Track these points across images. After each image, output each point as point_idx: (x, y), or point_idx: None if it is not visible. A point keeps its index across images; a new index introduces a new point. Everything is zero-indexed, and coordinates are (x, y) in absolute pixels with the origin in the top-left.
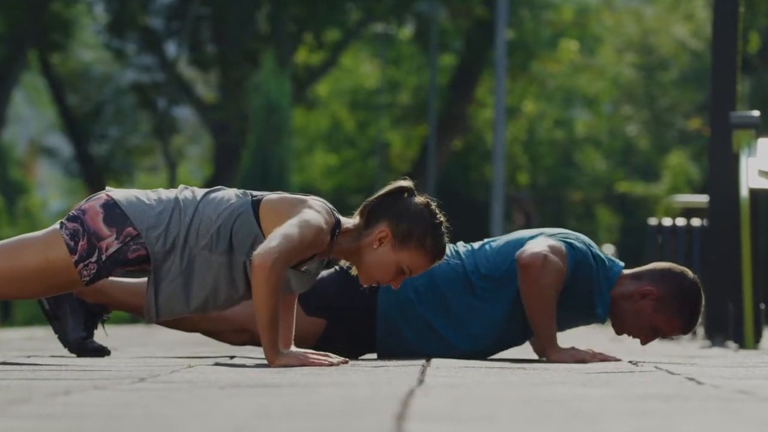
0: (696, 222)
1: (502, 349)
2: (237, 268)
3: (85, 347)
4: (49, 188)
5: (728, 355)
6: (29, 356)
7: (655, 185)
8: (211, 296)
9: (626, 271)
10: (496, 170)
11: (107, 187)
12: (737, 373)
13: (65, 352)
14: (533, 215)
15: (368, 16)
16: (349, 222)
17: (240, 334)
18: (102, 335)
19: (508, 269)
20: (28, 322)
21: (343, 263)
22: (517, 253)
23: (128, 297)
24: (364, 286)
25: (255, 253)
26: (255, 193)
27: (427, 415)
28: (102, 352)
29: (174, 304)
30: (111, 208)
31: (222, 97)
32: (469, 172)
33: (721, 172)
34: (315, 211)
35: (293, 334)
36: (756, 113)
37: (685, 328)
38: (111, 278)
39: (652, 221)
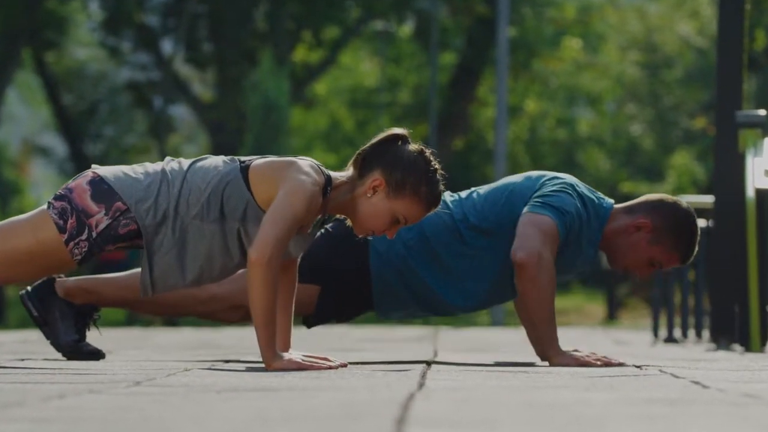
0: (701, 223)
1: (498, 302)
2: (231, 235)
3: (79, 350)
4: (44, 188)
5: (734, 359)
6: (23, 359)
7: (659, 185)
8: (206, 266)
9: (618, 206)
10: (498, 170)
11: (93, 165)
12: (743, 377)
13: (59, 355)
14: None
15: (368, 13)
16: (341, 175)
17: (235, 311)
18: (96, 337)
19: (497, 218)
20: (22, 324)
21: (336, 219)
22: (513, 249)
23: (118, 291)
24: (359, 236)
25: (251, 249)
26: (242, 158)
27: (427, 419)
28: (96, 355)
29: (169, 277)
30: (98, 184)
31: (219, 95)
32: (471, 172)
33: (726, 172)
34: (303, 173)
35: (291, 336)
36: (762, 112)
37: (683, 257)
38: (98, 275)
39: None
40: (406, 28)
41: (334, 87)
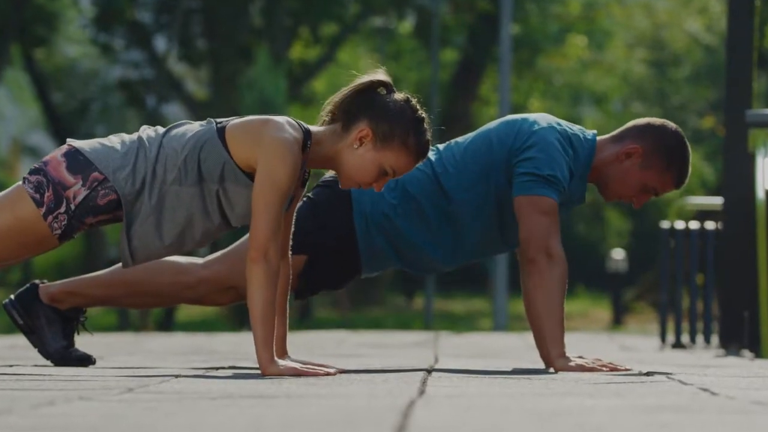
0: (710, 225)
1: (489, 255)
2: (210, 198)
3: (68, 357)
4: None
5: (744, 365)
6: (11, 365)
7: None
8: (187, 231)
9: (603, 137)
10: None
11: (68, 139)
12: (753, 384)
13: (49, 362)
14: None
15: (367, 9)
16: (322, 129)
17: (225, 293)
18: (87, 343)
19: (478, 168)
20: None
21: (318, 186)
22: (520, 241)
23: (103, 289)
24: (344, 189)
25: (248, 250)
26: (219, 120)
27: (428, 427)
28: (86, 360)
29: (149, 244)
30: (73, 155)
31: (214, 94)
32: None
33: (736, 173)
34: (280, 130)
35: (286, 342)
36: None
37: (677, 179)
38: (80, 276)
39: (665, 225)
40: (407, 25)
41: (333, 85)
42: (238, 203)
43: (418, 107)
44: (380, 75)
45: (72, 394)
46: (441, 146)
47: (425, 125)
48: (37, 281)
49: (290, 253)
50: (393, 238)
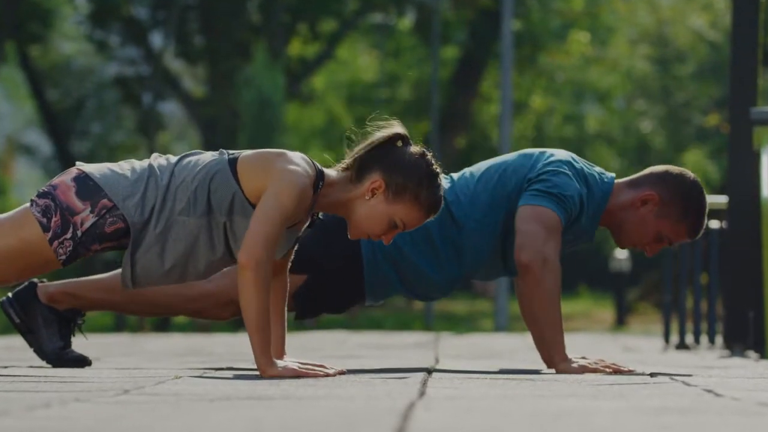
0: (714, 224)
1: (491, 279)
2: (216, 229)
3: (64, 358)
4: (28, 188)
5: (749, 366)
6: (6, 366)
7: None
8: (191, 262)
9: (620, 180)
10: None
11: (78, 162)
12: (758, 385)
13: (45, 363)
14: None
15: (366, 5)
16: (334, 173)
17: (225, 308)
18: (83, 343)
19: (490, 198)
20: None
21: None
22: (516, 248)
23: (103, 294)
24: (353, 239)
25: (240, 252)
26: (232, 151)
27: (428, 429)
28: (82, 362)
29: (151, 273)
30: (83, 180)
31: (211, 91)
32: None
33: (740, 172)
34: (294, 165)
35: (285, 343)
36: None
37: (691, 231)
38: (81, 278)
39: None
40: (406, 21)
41: (331, 82)
42: (244, 237)
43: (433, 162)
44: (397, 128)
45: (68, 395)
46: (455, 175)
47: (439, 180)
48: (35, 280)
49: (292, 270)
50: (399, 263)
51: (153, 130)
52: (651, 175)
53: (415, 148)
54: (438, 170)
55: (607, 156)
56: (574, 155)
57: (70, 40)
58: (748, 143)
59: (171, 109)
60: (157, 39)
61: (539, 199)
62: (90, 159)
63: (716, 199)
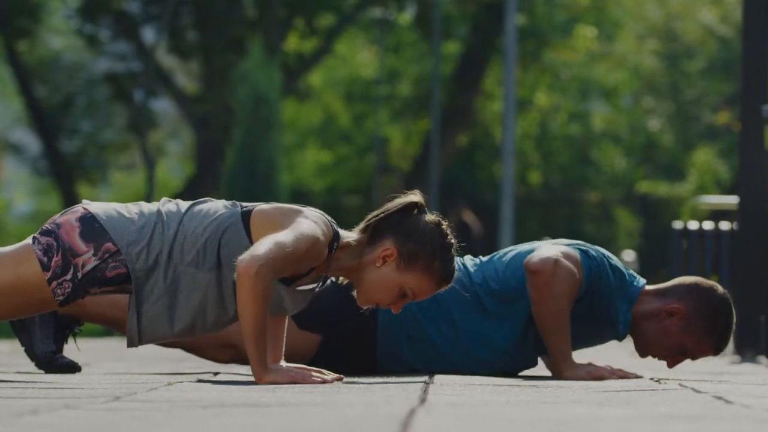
0: (725, 225)
1: (510, 374)
2: (226, 285)
3: (54, 363)
4: (15, 188)
5: (760, 372)
6: None
7: (679, 185)
8: (199, 318)
9: (648, 287)
10: (506, 169)
11: (84, 201)
12: None
13: (33, 368)
14: (474, 227)
15: None
16: (350, 236)
17: (224, 350)
18: (73, 350)
19: (519, 284)
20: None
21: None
22: (526, 258)
23: (105, 309)
24: (363, 307)
25: (240, 258)
26: (245, 204)
27: None
28: (72, 368)
29: (158, 327)
30: (89, 221)
31: (205, 88)
32: (476, 171)
33: (752, 171)
34: (311, 221)
35: (283, 348)
36: None
37: (716, 348)
38: None
39: (677, 225)
40: (407, 15)
41: (329, 78)
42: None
43: (447, 232)
44: (414, 197)
45: (56, 402)
46: (484, 258)
47: (453, 251)
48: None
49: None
50: (415, 337)
51: (145, 128)
52: (680, 286)
53: (430, 217)
54: (452, 241)
55: (613, 155)
56: (609, 253)
57: (59, 35)
58: (760, 141)
59: (163, 106)
60: (149, 34)
61: (564, 246)
62: (79, 158)
63: (726, 200)
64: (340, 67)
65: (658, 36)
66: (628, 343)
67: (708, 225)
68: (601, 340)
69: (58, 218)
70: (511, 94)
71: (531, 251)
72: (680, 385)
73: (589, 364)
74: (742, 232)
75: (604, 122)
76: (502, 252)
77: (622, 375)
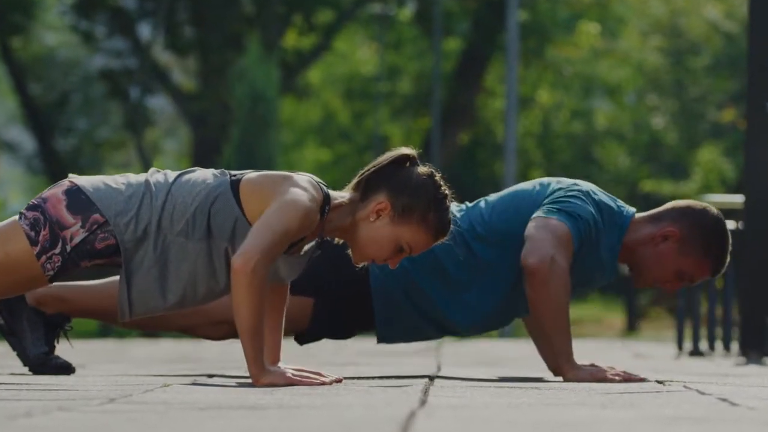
0: (730, 224)
1: (507, 322)
2: (217, 255)
3: (47, 364)
4: (10, 187)
5: (765, 374)
6: None
7: (684, 184)
8: (189, 288)
9: (640, 215)
10: (508, 167)
11: (70, 175)
12: None
13: (26, 369)
14: None
15: None
16: (341, 196)
17: (219, 327)
18: (67, 350)
19: (507, 228)
20: None
21: (337, 240)
22: (523, 254)
23: (92, 301)
24: (358, 265)
25: (235, 255)
26: (234, 172)
27: None
28: (66, 369)
29: (149, 299)
30: (75, 194)
31: (202, 85)
32: (478, 169)
33: (757, 169)
34: (301, 188)
35: (281, 349)
36: None
37: (714, 268)
38: (71, 282)
39: None
40: (407, 12)
41: (328, 76)
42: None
43: (441, 183)
44: (405, 150)
45: (51, 404)
46: (469, 204)
47: (447, 203)
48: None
49: (296, 292)
50: (410, 292)
51: (141, 126)
52: (672, 210)
53: (422, 169)
54: (446, 192)
55: (616, 153)
56: (593, 186)
57: (53, 31)
58: (766, 139)
59: (160, 103)
60: (145, 30)
61: (551, 212)
62: (75, 156)
63: (732, 199)
64: (340, 64)
65: (663, 32)
66: (631, 344)
67: None
68: (600, 278)
69: (44, 193)
70: (513, 91)
71: (517, 194)
72: (685, 386)
73: (592, 365)
74: (747, 232)
75: (607, 120)
76: (487, 197)
77: (625, 377)
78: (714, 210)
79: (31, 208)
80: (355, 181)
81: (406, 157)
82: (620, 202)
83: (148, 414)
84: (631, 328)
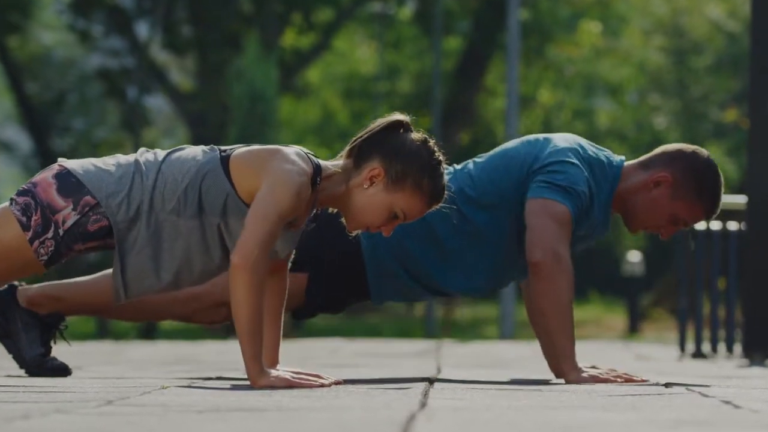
0: (733, 226)
1: (500, 287)
2: (210, 232)
3: (44, 366)
4: (6, 187)
5: None
6: None
7: None
8: (184, 267)
9: (630, 162)
10: None
11: (59, 159)
12: None
13: (23, 371)
14: None
15: None
16: (333, 165)
17: (217, 311)
18: (64, 351)
19: (497, 189)
20: None
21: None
22: (527, 245)
23: (87, 297)
24: (352, 233)
25: (233, 252)
26: (224, 147)
27: None
28: (63, 371)
29: (143, 279)
30: (65, 177)
31: (200, 84)
32: None
33: (760, 170)
34: (289, 163)
35: (279, 351)
36: None
37: (708, 211)
38: (63, 280)
39: None
40: (407, 10)
41: (328, 75)
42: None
43: (435, 149)
44: (398, 116)
45: (48, 406)
46: (458, 165)
47: (441, 168)
48: (15, 283)
49: (290, 268)
50: (403, 259)
51: (138, 126)
52: (663, 154)
53: (416, 135)
54: (441, 158)
55: (618, 153)
56: (580, 140)
57: (50, 31)
58: None
59: (157, 103)
60: (142, 29)
61: (548, 191)
62: (72, 156)
63: (735, 199)
64: (339, 63)
65: (665, 31)
66: (633, 345)
67: (716, 225)
68: (592, 235)
69: (34, 178)
70: (514, 90)
71: (504, 154)
72: (687, 389)
73: (593, 368)
74: (750, 233)
75: (609, 120)
76: (475, 158)
77: (627, 379)
78: (704, 152)
79: (22, 193)
80: (347, 147)
81: (399, 123)
82: (608, 152)
83: (146, 416)
84: (633, 329)
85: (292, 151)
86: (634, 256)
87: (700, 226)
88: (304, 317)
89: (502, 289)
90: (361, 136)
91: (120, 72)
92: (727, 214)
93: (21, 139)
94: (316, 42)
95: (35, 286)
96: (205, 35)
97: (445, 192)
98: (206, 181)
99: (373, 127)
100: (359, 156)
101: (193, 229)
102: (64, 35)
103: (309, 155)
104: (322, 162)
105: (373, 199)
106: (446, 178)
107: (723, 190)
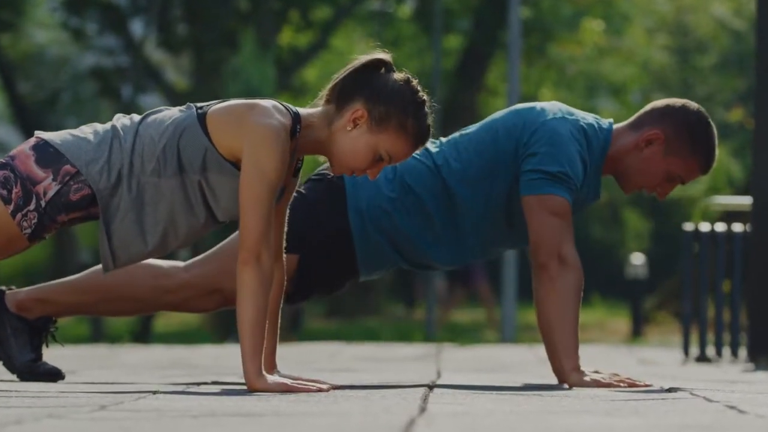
0: (738, 227)
1: (493, 255)
2: (192, 189)
3: (35, 371)
4: None
5: None
6: None
7: (690, 185)
8: (170, 228)
9: (620, 125)
10: None
11: (36, 132)
12: None
13: (14, 376)
14: None
15: None
16: (313, 112)
17: (210, 298)
18: (57, 355)
19: (484, 162)
20: None
21: (309, 180)
22: (531, 245)
23: (75, 296)
24: (337, 175)
25: (239, 251)
26: (200, 105)
27: None
28: (55, 375)
29: (130, 245)
30: (42, 147)
31: (195, 83)
32: None
33: (766, 170)
34: (268, 117)
35: (276, 356)
36: None
37: (704, 166)
38: (50, 282)
39: (688, 227)
40: (406, 8)
41: (325, 74)
42: (223, 195)
43: (418, 89)
44: (379, 54)
45: (40, 411)
46: (444, 139)
47: (426, 108)
48: (3, 287)
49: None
50: (392, 235)
51: None
52: (652, 111)
53: (399, 75)
54: (425, 98)
55: None
56: (567, 108)
57: (43, 29)
58: None
59: (152, 102)
60: (137, 27)
61: (542, 185)
62: None
63: (740, 200)
64: (337, 62)
65: (669, 30)
66: (636, 349)
67: (720, 227)
68: (585, 201)
69: (12, 151)
70: (515, 90)
71: (491, 125)
72: (691, 394)
73: (596, 372)
74: (756, 234)
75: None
76: (462, 130)
77: (630, 383)
78: (694, 105)
79: (0, 167)
80: (327, 89)
81: (380, 62)
82: (594, 117)
83: (140, 422)
84: (636, 333)
85: (268, 103)
86: (638, 259)
87: (705, 227)
88: (298, 301)
89: (493, 258)
90: (341, 75)
91: (114, 71)
92: (732, 216)
93: (13, 139)
94: (313, 40)
95: (24, 290)
96: (201, 34)
97: (431, 131)
98: (184, 138)
99: (354, 64)
100: (341, 98)
101: (174, 188)
102: (58, 33)
103: (286, 106)
104: (301, 110)
105: (357, 141)
106: (431, 118)
107: (717, 141)
